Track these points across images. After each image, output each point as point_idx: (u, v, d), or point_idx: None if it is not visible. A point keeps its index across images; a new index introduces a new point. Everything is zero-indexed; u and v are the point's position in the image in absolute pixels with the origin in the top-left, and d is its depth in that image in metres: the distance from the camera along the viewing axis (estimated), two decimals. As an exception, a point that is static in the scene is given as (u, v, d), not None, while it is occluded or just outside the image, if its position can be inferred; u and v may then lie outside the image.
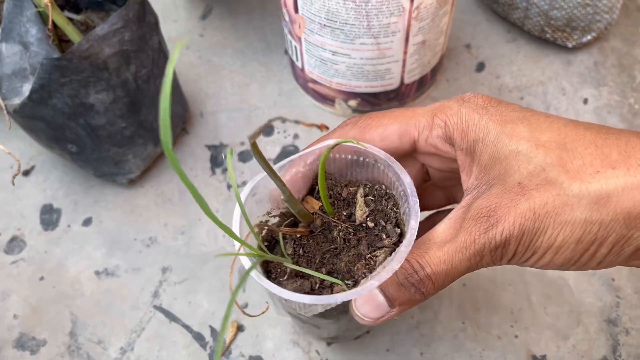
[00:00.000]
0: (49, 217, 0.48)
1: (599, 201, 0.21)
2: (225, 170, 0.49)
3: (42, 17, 0.39)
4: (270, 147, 0.50)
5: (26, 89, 0.40)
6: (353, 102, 0.49)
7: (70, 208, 0.48)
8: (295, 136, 0.51)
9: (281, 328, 0.41)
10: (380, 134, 0.28)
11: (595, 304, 0.41)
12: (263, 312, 0.32)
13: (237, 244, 0.27)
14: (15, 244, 0.47)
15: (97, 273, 0.45)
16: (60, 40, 0.42)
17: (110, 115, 0.41)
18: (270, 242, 0.32)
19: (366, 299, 0.26)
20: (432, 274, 0.24)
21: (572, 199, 0.22)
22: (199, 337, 0.41)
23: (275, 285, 0.27)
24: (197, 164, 0.49)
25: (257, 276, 0.28)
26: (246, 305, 0.42)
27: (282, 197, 0.28)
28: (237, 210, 0.29)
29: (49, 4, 0.38)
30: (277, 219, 0.33)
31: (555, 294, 0.41)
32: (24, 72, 0.40)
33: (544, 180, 0.22)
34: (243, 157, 0.50)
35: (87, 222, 0.47)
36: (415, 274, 0.24)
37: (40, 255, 0.46)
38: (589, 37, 0.52)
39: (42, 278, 0.45)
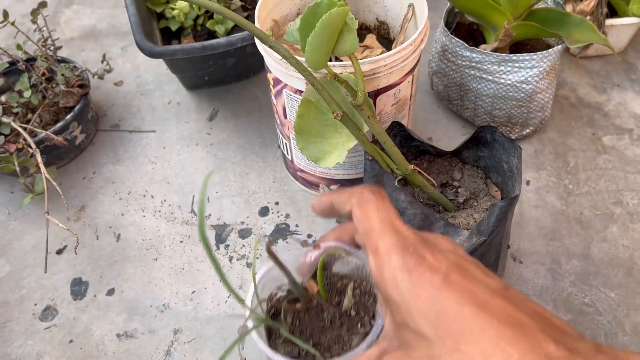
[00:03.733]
0: (78, 288, 0.56)
1: None
2: (227, 246, 0.58)
3: (406, 180, 0.44)
4: (266, 225, 0.60)
5: None
6: (334, 187, 0.59)
7: (96, 280, 0.57)
8: (287, 216, 0.60)
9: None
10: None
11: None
12: None
13: (247, 312, 0.35)
14: (48, 312, 0.55)
15: (118, 335, 0.52)
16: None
17: None
18: (277, 309, 0.41)
19: None
20: None
21: None
22: (204, 388, 0.49)
23: (265, 346, 0.36)
24: (204, 241, 0.59)
25: (256, 337, 0.37)
26: (245, 360, 0.50)
27: (286, 282, 0.38)
28: (252, 287, 0.38)
29: (415, 168, 0.43)
30: (285, 292, 0.42)
31: None
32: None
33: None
34: (242, 234, 0.59)
35: (110, 292, 0.56)
36: None
37: (70, 321, 0.54)
38: (527, 131, 0.63)
39: (71, 341, 0.52)
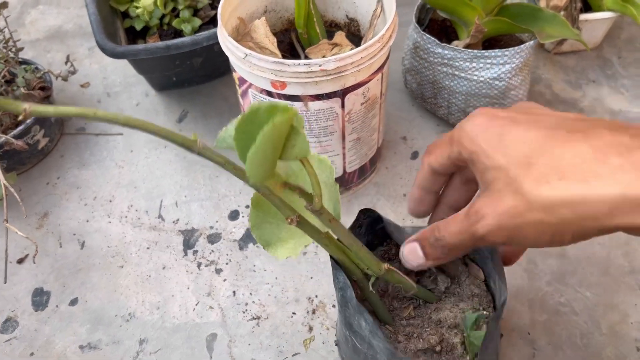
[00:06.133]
0: (40, 299, 0.54)
1: (547, 208, 0.27)
2: (195, 252, 0.56)
3: (370, 302, 0.40)
4: (236, 229, 0.58)
5: None
6: (305, 189, 0.57)
7: (59, 290, 0.54)
8: (258, 219, 0.58)
9: (243, 388, 0.46)
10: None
11: (514, 357, 0.48)
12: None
13: None
14: (9, 324, 0.53)
15: (82, 347, 0.50)
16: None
17: None
18: None
19: (410, 250, 0.35)
20: (447, 243, 0.33)
21: (532, 204, 0.28)
22: (170, 401, 0.47)
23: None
24: (172, 246, 0.57)
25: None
26: (213, 370, 0.48)
27: None
28: None
29: (389, 267, 0.37)
30: None
31: (480, 347, 0.48)
32: None
33: (515, 189, 0.28)
34: (211, 239, 0.57)
35: (73, 302, 0.54)
36: (440, 240, 0.33)
37: (31, 333, 0.52)
38: (502, 128, 0.62)
39: (32, 354, 0.50)
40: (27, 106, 0.23)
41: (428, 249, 0.35)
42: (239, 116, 0.26)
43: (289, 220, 0.31)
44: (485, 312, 0.40)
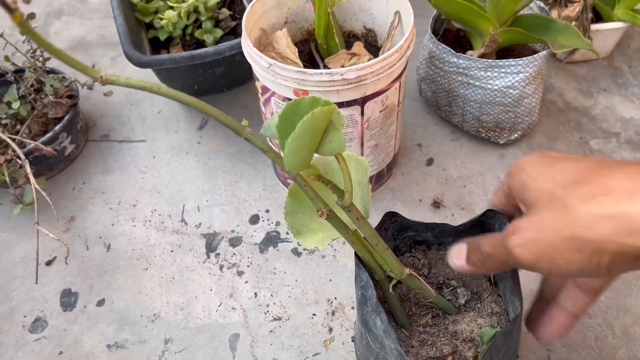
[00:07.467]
0: (68, 299, 0.56)
1: (588, 223, 0.28)
2: (217, 255, 0.58)
3: (389, 304, 0.40)
4: (257, 233, 0.60)
5: None
6: (324, 194, 0.59)
7: (86, 291, 0.56)
8: (277, 224, 0.60)
9: (266, 387, 0.48)
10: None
11: (530, 357, 0.49)
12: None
13: None
14: (38, 324, 0.54)
15: (109, 346, 0.52)
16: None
17: None
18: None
19: (457, 249, 0.37)
20: (484, 251, 0.34)
21: (574, 218, 0.28)
22: (195, 398, 0.48)
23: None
24: (194, 249, 0.59)
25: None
26: (236, 369, 0.50)
27: None
28: None
29: (411, 272, 0.38)
30: None
31: (496, 349, 0.49)
32: None
33: (557, 206, 0.29)
34: (233, 242, 0.59)
35: (100, 302, 0.55)
36: (479, 248, 0.35)
37: (60, 333, 0.54)
38: (515, 135, 0.63)
39: (61, 353, 0.52)
40: (103, 74, 0.26)
41: (470, 253, 0.36)
42: (285, 107, 0.29)
43: (320, 212, 0.33)
44: (501, 329, 0.40)
